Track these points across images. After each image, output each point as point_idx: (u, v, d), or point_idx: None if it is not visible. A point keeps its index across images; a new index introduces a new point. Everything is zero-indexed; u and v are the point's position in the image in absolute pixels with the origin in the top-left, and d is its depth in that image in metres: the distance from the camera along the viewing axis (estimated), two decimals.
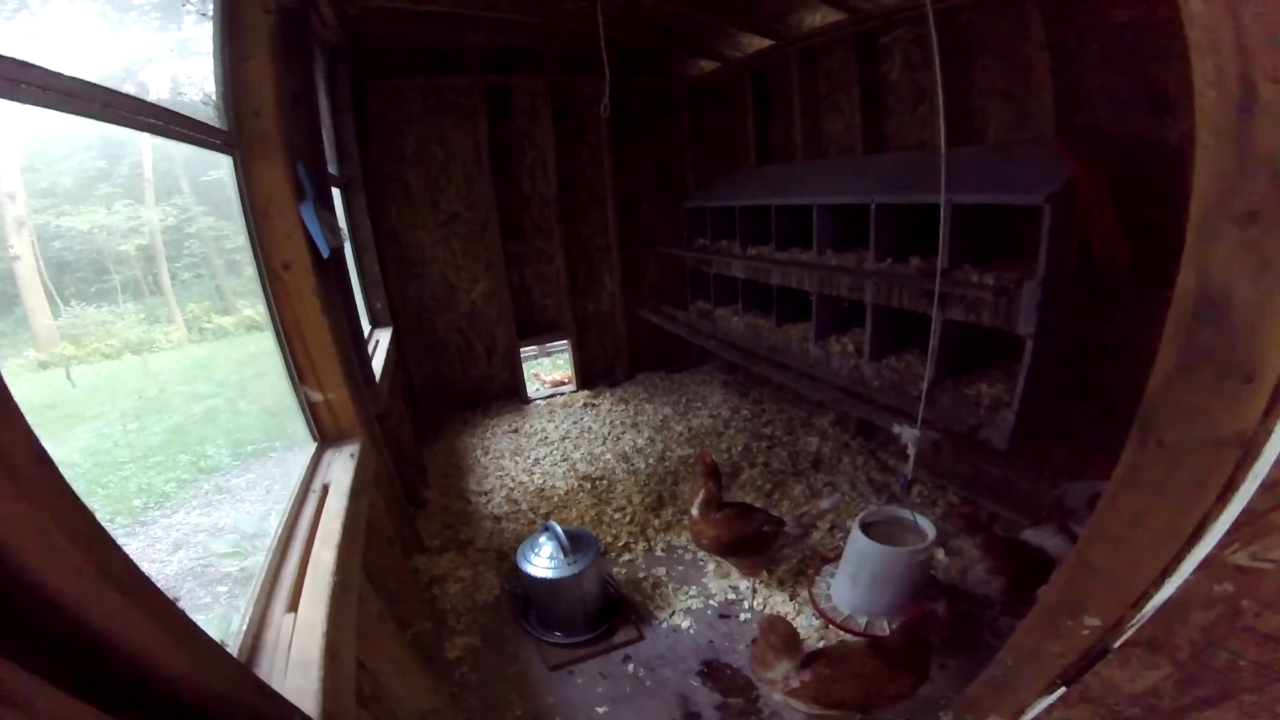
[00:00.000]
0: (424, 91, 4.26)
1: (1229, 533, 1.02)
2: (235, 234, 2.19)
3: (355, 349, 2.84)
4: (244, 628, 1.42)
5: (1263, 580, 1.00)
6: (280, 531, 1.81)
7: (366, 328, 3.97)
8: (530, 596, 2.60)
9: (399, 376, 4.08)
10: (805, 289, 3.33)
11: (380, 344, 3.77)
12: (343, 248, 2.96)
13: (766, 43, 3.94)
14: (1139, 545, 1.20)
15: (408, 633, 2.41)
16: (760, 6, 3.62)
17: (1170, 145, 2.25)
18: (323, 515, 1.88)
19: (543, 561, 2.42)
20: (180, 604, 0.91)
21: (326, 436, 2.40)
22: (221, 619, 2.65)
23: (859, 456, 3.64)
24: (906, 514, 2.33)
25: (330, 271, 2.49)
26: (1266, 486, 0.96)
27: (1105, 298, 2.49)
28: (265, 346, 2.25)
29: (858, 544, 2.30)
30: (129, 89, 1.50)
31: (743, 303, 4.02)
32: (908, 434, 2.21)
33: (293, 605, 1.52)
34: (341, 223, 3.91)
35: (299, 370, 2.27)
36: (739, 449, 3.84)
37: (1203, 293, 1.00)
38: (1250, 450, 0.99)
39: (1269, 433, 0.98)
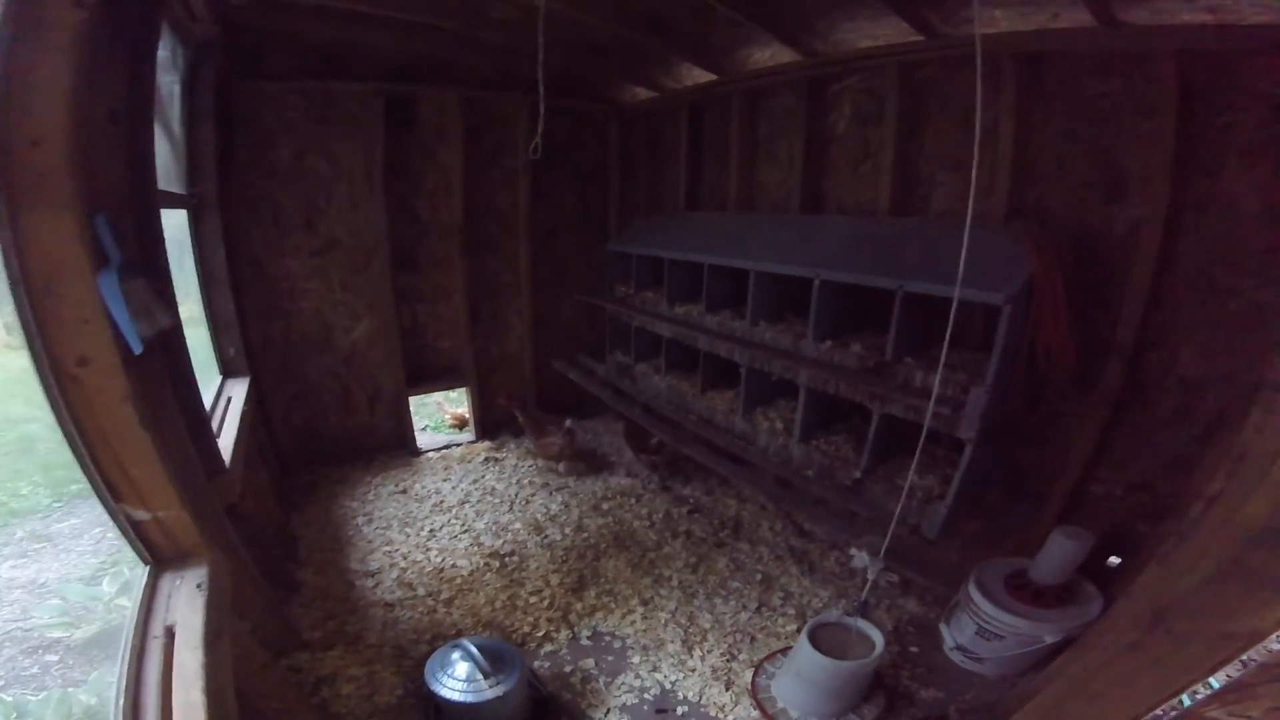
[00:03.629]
0: (310, 98, 3.58)
1: (1214, 697, 1.11)
2: None
3: (197, 441, 2.23)
4: None
5: None
6: (123, 701, 1.40)
7: (215, 380, 3.26)
8: (443, 712, 2.28)
9: (258, 436, 3.39)
10: (735, 360, 3.19)
11: (234, 402, 3.07)
12: (177, 327, 2.21)
13: (709, 77, 3.76)
14: (1119, 699, 1.27)
15: None
16: (710, 37, 3.40)
17: (1116, 236, 2.32)
18: (175, 677, 1.48)
19: (458, 684, 2.14)
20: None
21: (162, 558, 1.88)
22: (59, 701, 2.08)
23: (775, 521, 3.61)
24: (855, 623, 2.26)
25: (155, 361, 1.90)
26: (1261, 666, 1.07)
27: (1032, 394, 2.59)
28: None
29: (806, 654, 2.20)
30: None
31: (666, 360, 3.82)
32: (869, 563, 2.13)
33: None
34: (188, 255, 3.18)
35: (111, 487, 1.71)
36: (660, 516, 3.65)
37: (1271, 525, 1.02)
38: (1257, 639, 1.05)
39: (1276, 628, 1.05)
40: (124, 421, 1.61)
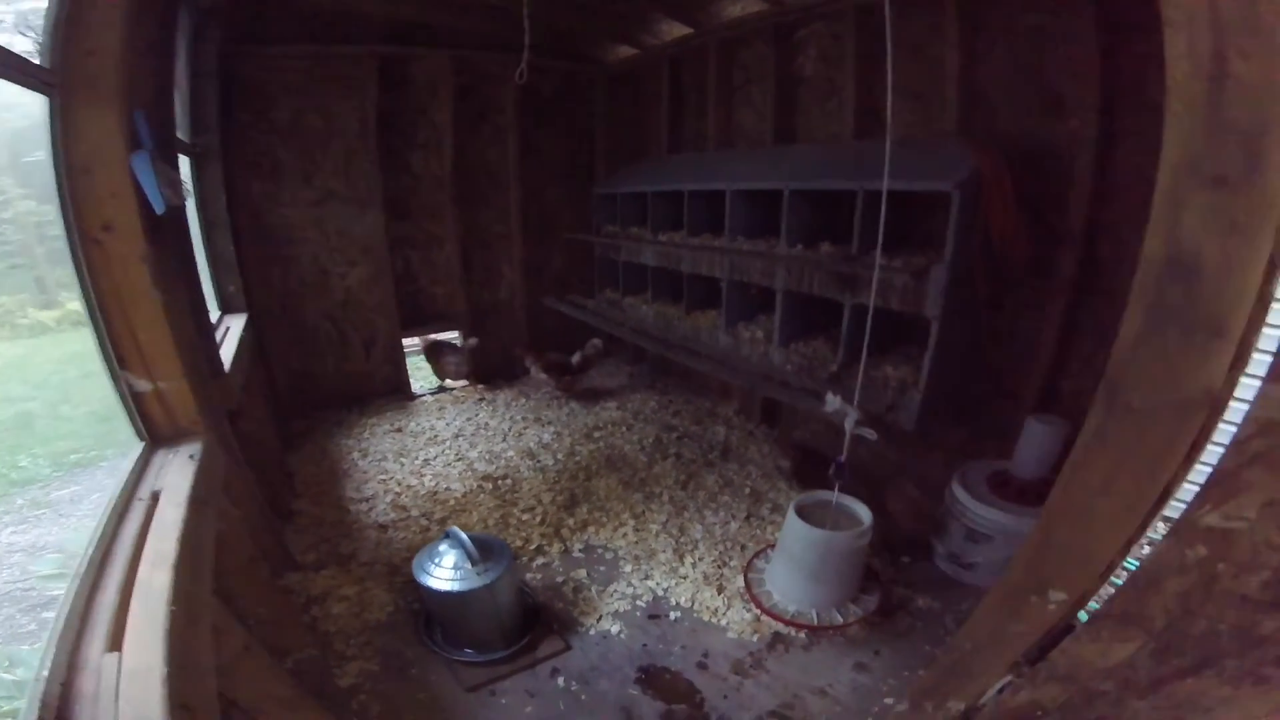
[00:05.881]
0: (307, 61, 3.74)
1: (1200, 494, 1.02)
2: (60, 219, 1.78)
3: (199, 332, 2.35)
4: (44, 674, 1.06)
5: (1237, 541, 0.99)
6: (93, 550, 1.41)
7: (215, 313, 3.36)
8: (433, 613, 2.30)
9: (258, 372, 3.49)
10: (716, 275, 3.29)
11: (232, 331, 3.18)
12: (184, 211, 2.46)
13: (686, 30, 3.89)
14: (1105, 514, 1.21)
15: (288, 661, 2.06)
16: None
17: (1059, 148, 2.44)
18: (151, 529, 1.51)
19: (445, 573, 2.13)
20: None
21: (158, 436, 1.96)
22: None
23: (764, 445, 3.69)
24: (832, 498, 2.31)
25: (168, 238, 2.06)
26: (1238, 443, 0.97)
27: (996, 288, 2.67)
28: (93, 343, 1.84)
29: (794, 529, 2.24)
30: None
31: (652, 291, 3.91)
32: (846, 409, 2.16)
33: (115, 643, 1.17)
34: (189, 193, 3.34)
35: (119, 354, 1.82)
36: (650, 441, 3.74)
37: (1172, 256, 1.01)
38: (1217, 408, 1.02)
39: (1234, 389, 1.01)
40: (138, 280, 1.75)
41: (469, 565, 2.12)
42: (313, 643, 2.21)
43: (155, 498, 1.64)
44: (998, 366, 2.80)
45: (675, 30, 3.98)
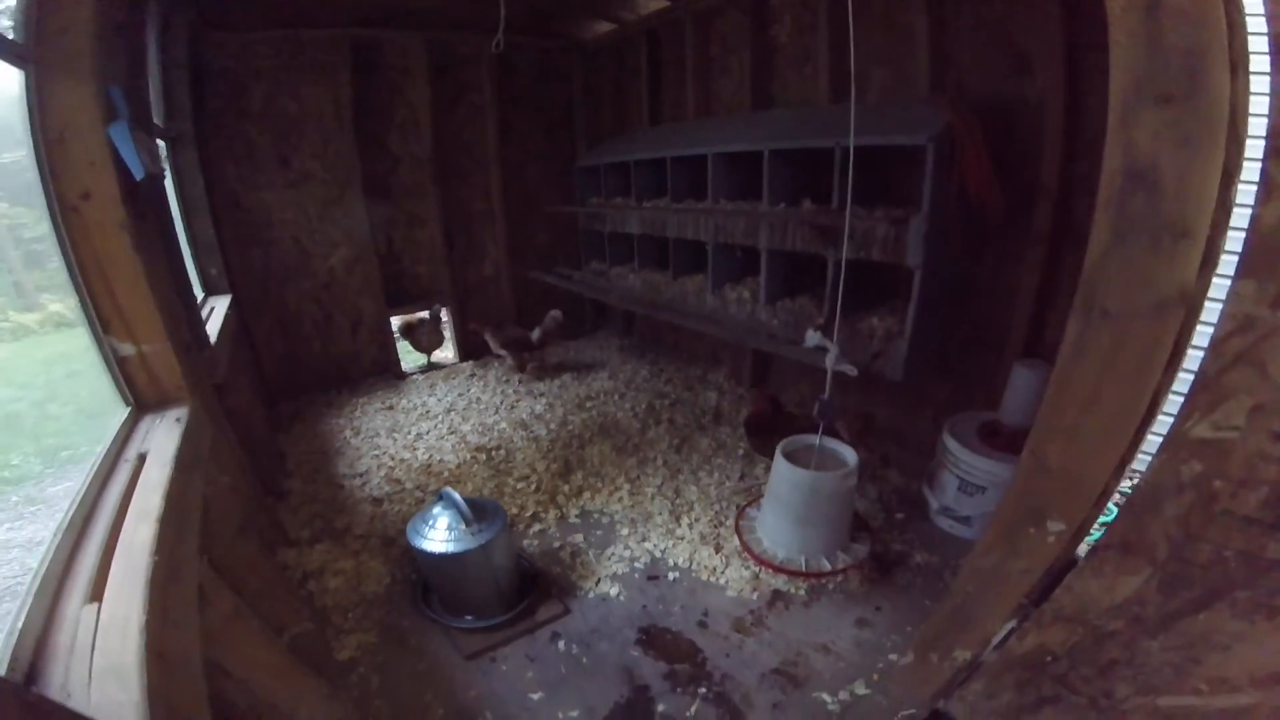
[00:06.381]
0: (278, 45, 3.69)
1: (1186, 403, 1.04)
2: (36, 222, 1.81)
3: (183, 302, 2.33)
4: (19, 626, 1.03)
5: (1230, 454, 1.00)
6: (75, 510, 1.40)
7: (199, 294, 3.32)
8: (428, 579, 2.29)
9: (243, 353, 3.46)
10: (701, 239, 3.31)
11: (216, 311, 3.14)
12: (163, 185, 2.45)
13: (663, 3, 3.89)
14: (1094, 432, 1.21)
15: (284, 637, 2.05)
16: None
17: (1030, 105, 2.49)
18: (137, 488, 1.50)
19: (440, 534, 2.10)
20: None
21: (144, 402, 1.94)
22: None
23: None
24: (817, 441, 2.33)
25: (147, 209, 2.05)
26: (1215, 345, 1.00)
27: (974, 241, 2.71)
28: (80, 345, 1.85)
29: (781, 471, 2.26)
30: None
31: (638, 260, 3.93)
32: (826, 344, 2.17)
33: (96, 594, 1.16)
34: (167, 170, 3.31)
35: (102, 319, 1.81)
36: (642, 408, 3.76)
37: (1131, 167, 1.06)
38: (1193, 310, 1.04)
39: (1207, 290, 1.03)
40: (117, 247, 1.75)
41: (463, 526, 2.10)
42: (309, 616, 2.20)
43: (142, 459, 1.63)
44: (981, 319, 2.84)
45: (652, 3, 3.97)
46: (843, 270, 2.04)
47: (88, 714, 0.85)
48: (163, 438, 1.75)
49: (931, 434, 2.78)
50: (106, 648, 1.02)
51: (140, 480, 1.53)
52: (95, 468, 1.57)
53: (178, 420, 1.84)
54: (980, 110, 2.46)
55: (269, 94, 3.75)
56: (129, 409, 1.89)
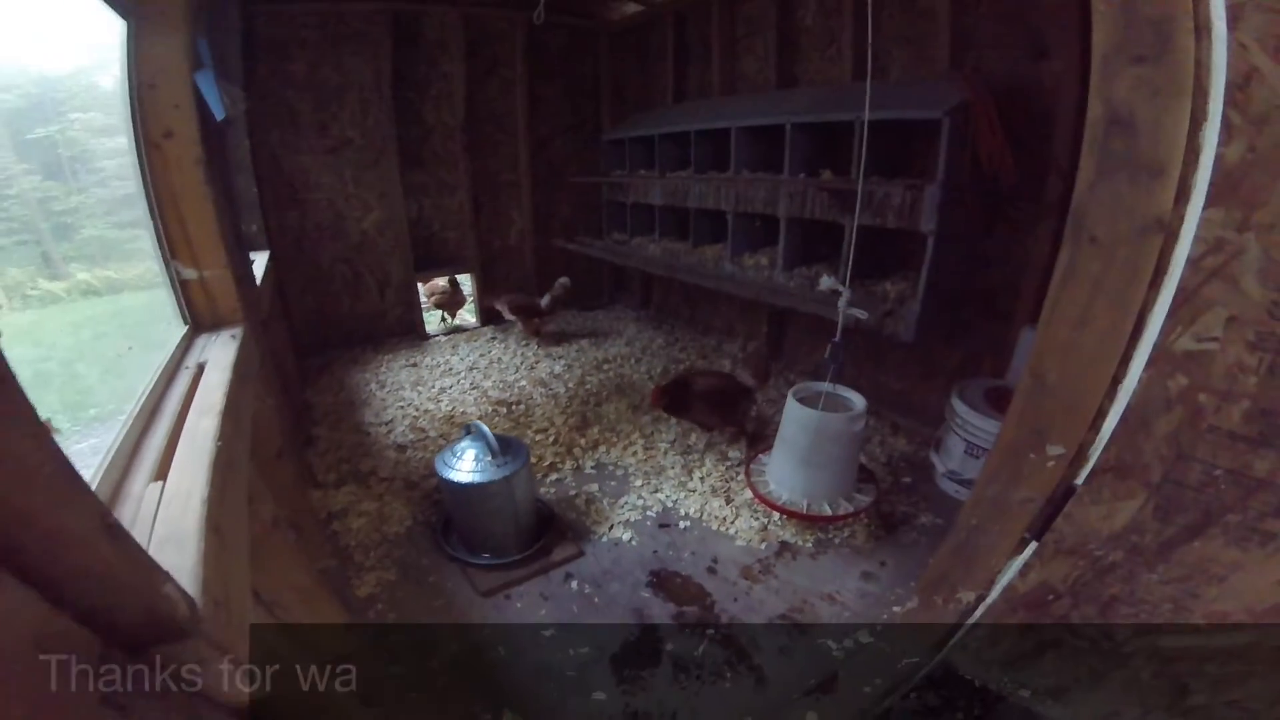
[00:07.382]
0: (323, 17, 3.87)
1: (1169, 317, 1.14)
2: (65, 195, 2.03)
3: (236, 239, 2.49)
4: None
5: (1212, 365, 1.10)
6: (142, 404, 1.51)
7: None
8: (452, 513, 2.40)
9: (277, 306, 3.62)
10: (722, 208, 3.42)
11: (257, 263, 3.30)
12: (228, 135, 2.62)
13: None
14: (1087, 349, 1.29)
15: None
16: None
17: (1045, 86, 2.57)
18: (199, 389, 1.61)
19: (466, 465, 2.20)
20: None
21: (200, 323, 2.08)
22: None
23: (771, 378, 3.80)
24: (828, 388, 2.39)
25: (217, 148, 2.23)
26: (1192, 262, 1.11)
27: (987, 213, 2.80)
28: (105, 309, 2.06)
29: (791, 413, 2.32)
30: None
31: (659, 230, 4.06)
32: (838, 287, 2.24)
33: (160, 474, 1.25)
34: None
35: (171, 245, 1.97)
36: (658, 371, 3.89)
37: (1111, 114, 1.19)
38: (1171, 235, 1.15)
39: (1182, 219, 1.14)
40: (191, 179, 1.92)
41: (489, 458, 2.20)
42: (333, 554, 2.28)
43: (200, 368, 1.75)
44: (991, 288, 2.93)
45: None
46: (855, 222, 2.14)
47: None
48: (219, 350, 1.88)
49: (939, 403, 2.86)
50: (168, 517, 1.10)
51: (200, 383, 1.64)
52: (157, 374, 1.67)
53: (233, 337, 1.99)
54: (998, 89, 2.54)
55: (313, 63, 3.93)
56: (187, 328, 2.04)
